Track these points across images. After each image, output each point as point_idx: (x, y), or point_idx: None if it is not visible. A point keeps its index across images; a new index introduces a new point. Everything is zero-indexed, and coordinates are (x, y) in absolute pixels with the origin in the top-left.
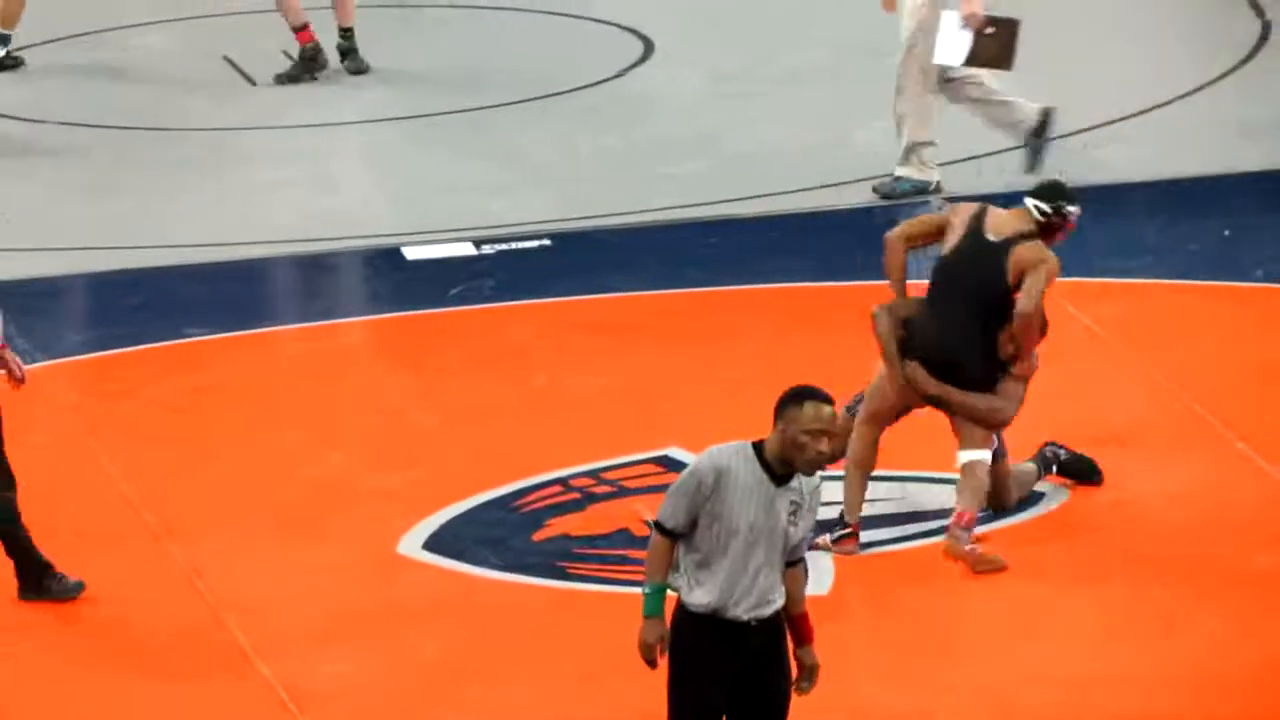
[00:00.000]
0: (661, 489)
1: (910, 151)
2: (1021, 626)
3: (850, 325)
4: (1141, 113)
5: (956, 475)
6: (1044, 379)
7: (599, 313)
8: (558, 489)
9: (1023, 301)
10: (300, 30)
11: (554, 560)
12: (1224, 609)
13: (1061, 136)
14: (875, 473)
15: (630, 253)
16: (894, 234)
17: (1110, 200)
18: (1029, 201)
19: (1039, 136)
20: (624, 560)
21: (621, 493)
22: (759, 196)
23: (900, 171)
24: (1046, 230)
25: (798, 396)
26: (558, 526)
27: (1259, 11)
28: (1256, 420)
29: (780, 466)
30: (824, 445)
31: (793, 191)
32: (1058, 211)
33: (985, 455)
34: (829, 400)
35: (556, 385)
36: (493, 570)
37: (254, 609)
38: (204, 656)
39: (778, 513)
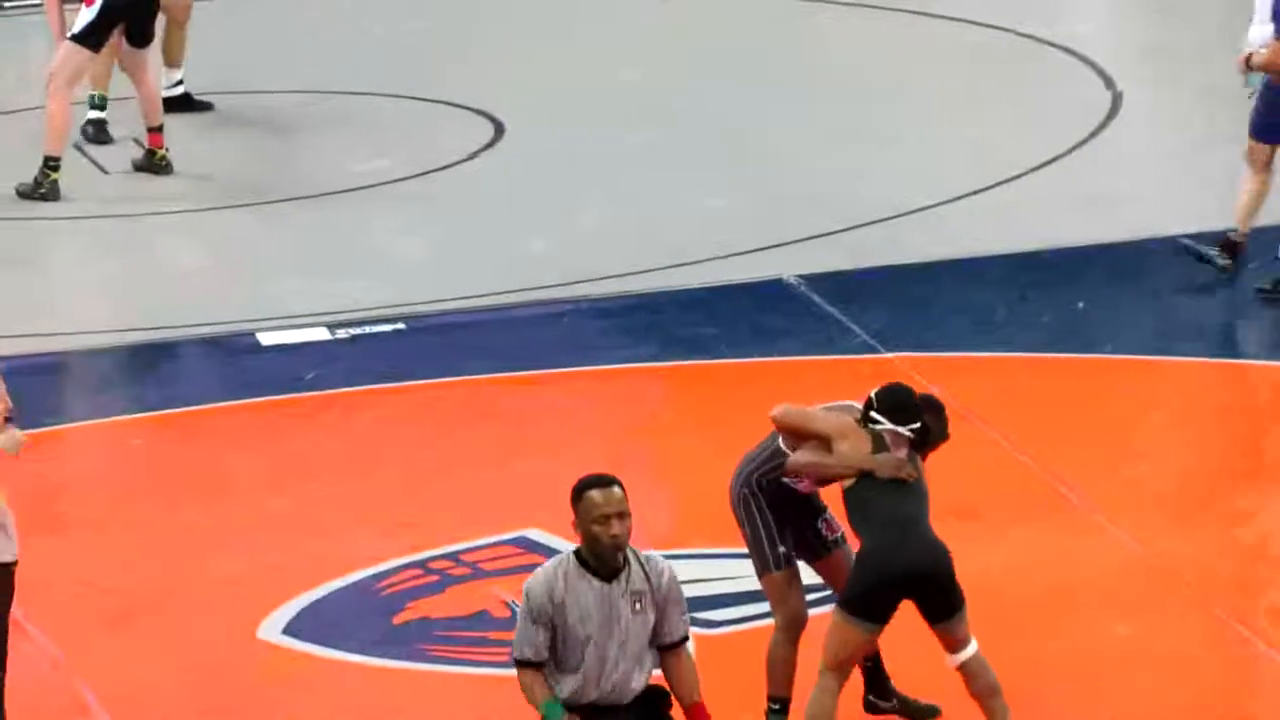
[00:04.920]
0: (520, 570)
1: None
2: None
3: (699, 403)
4: (992, 186)
5: None
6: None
7: (453, 395)
8: (417, 572)
9: None
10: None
11: (414, 642)
12: (1075, 681)
13: (913, 211)
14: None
15: (483, 335)
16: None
17: (963, 273)
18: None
19: None
20: (484, 641)
21: (479, 574)
22: (606, 278)
23: None
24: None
25: (579, 490)
26: (417, 609)
27: (1109, 83)
28: (1109, 491)
29: (598, 563)
30: (616, 527)
31: (639, 272)
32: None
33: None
34: (611, 482)
35: (411, 467)
36: (354, 654)
37: (120, 699)
38: None
39: (617, 608)
